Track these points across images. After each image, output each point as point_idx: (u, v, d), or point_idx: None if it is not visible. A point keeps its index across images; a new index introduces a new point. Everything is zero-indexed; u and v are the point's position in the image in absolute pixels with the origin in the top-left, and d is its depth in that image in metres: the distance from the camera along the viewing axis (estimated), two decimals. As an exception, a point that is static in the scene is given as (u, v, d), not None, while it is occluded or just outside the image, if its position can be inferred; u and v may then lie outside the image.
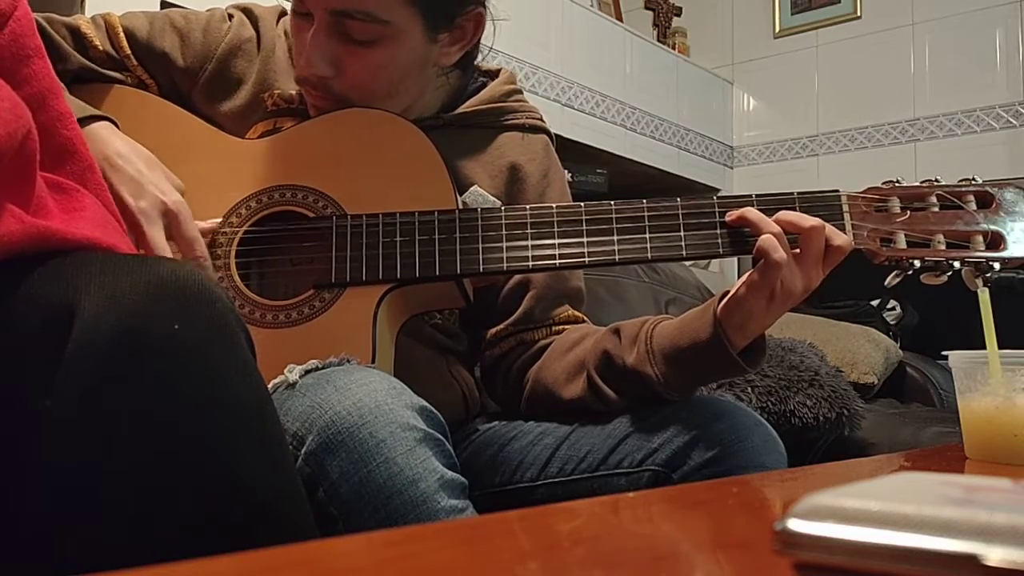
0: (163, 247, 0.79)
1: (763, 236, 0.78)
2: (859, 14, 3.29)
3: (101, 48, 0.95)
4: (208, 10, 1.01)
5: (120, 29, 0.96)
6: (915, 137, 3.14)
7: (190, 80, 0.96)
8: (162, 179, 0.82)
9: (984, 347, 0.75)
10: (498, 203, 0.95)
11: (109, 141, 0.82)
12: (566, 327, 0.97)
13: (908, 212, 0.84)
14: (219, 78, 0.96)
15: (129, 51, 0.96)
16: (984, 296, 0.77)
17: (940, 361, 2.38)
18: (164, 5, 1.57)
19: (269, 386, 0.68)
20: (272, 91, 0.96)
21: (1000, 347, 0.75)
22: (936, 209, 0.83)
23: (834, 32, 3.34)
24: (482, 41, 0.97)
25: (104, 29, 0.96)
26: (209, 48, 0.96)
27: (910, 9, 3.17)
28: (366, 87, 0.90)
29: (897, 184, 0.85)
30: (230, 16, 1.00)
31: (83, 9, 1.52)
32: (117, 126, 0.85)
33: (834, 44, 3.35)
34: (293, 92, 0.96)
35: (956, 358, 0.79)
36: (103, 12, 0.98)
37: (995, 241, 0.82)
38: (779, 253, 0.77)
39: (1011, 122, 2.95)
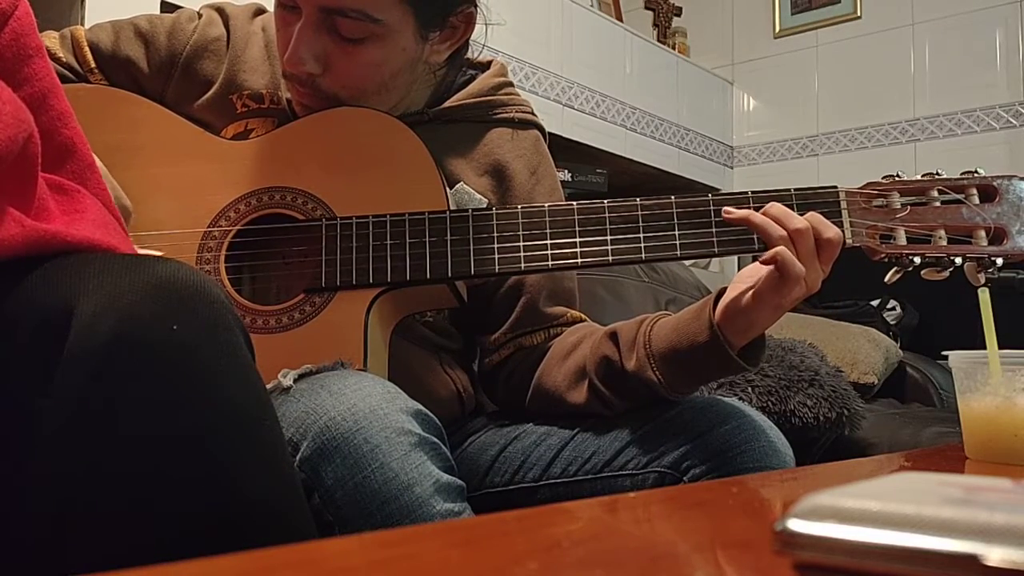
0: None
1: (778, 248, 0.75)
2: (859, 14, 3.30)
3: (64, 60, 0.95)
4: (177, 11, 0.99)
5: (85, 43, 0.95)
6: (915, 137, 3.14)
7: (159, 86, 0.95)
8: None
9: (984, 347, 0.75)
10: (485, 201, 0.94)
11: None
12: (564, 329, 0.95)
13: (909, 207, 0.81)
14: (186, 81, 0.95)
15: (93, 65, 0.95)
16: (984, 296, 0.76)
17: (940, 361, 2.38)
18: (164, 7, 1.57)
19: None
20: (241, 92, 0.94)
21: (1000, 347, 0.74)
22: (938, 203, 0.81)
23: (834, 32, 3.35)
24: (476, 39, 0.96)
25: (70, 42, 0.96)
26: (174, 51, 0.95)
27: (910, 9, 3.17)
28: (355, 85, 0.88)
29: (897, 178, 0.83)
30: (199, 15, 0.98)
31: (83, 10, 1.52)
32: None
33: (834, 44, 3.35)
34: (263, 92, 0.94)
35: (956, 358, 0.79)
36: (72, 27, 0.98)
37: (998, 235, 0.80)
38: (798, 266, 0.75)
39: (1011, 122, 2.95)
